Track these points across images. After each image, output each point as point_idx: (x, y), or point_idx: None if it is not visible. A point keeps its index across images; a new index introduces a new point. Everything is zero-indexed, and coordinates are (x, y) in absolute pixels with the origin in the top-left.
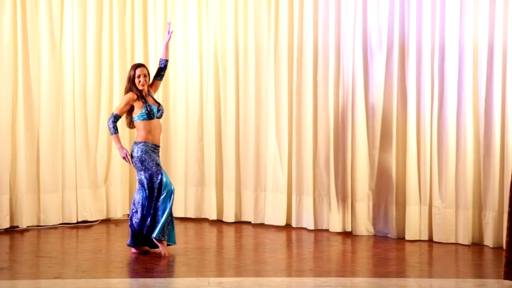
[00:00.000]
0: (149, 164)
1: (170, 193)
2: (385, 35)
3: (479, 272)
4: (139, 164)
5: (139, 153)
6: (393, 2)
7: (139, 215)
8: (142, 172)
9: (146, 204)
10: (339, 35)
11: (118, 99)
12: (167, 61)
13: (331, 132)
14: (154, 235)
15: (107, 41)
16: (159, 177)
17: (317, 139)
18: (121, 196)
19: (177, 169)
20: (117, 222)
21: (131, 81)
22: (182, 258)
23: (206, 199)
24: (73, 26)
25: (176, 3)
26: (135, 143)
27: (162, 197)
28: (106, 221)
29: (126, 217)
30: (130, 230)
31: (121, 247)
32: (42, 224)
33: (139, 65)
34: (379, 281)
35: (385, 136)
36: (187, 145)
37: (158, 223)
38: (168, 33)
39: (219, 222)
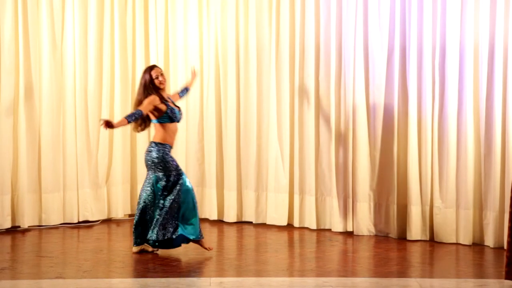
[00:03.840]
0: (172, 165)
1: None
2: (386, 35)
3: (480, 272)
4: (160, 165)
5: (160, 154)
6: (394, 2)
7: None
8: (161, 174)
9: (151, 203)
10: (341, 35)
11: (119, 99)
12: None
13: (333, 132)
14: (195, 237)
15: (108, 41)
16: (181, 177)
17: (319, 139)
18: (122, 196)
19: None
20: (118, 222)
21: (149, 83)
22: (183, 258)
23: (206, 199)
24: (74, 26)
25: (177, 2)
26: (155, 143)
27: (186, 198)
28: (107, 221)
29: (127, 217)
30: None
31: (122, 247)
32: (43, 224)
33: (153, 67)
34: (380, 281)
35: (386, 136)
36: (188, 145)
37: (195, 223)
38: (193, 77)
39: (219, 222)
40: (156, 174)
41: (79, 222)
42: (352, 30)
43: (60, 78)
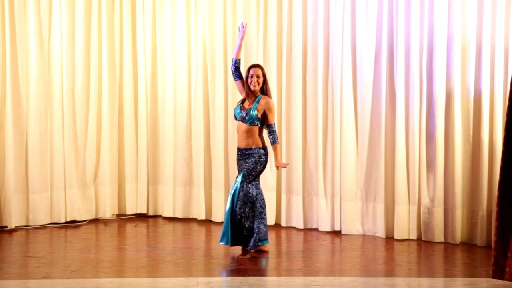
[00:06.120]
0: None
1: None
2: (373, 33)
3: (467, 271)
4: None
5: None
6: (382, 1)
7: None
8: None
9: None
10: (328, 34)
11: (107, 98)
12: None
13: (320, 132)
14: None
15: (95, 41)
16: (236, 177)
17: (306, 139)
18: (110, 196)
19: (165, 169)
20: (106, 222)
21: (245, 81)
22: (171, 257)
23: (194, 198)
24: (61, 25)
25: (164, 1)
26: None
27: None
28: (95, 221)
29: (115, 217)
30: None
31: (110, 246)
32: (30, 224)
33: (253, 66)
34: (368, 280)
35: (374, 135)
36: (175, 144)
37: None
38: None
39: (207, 222)
40: None
41: (66, 222)
42: (340, 29)
43: (48, 78)
